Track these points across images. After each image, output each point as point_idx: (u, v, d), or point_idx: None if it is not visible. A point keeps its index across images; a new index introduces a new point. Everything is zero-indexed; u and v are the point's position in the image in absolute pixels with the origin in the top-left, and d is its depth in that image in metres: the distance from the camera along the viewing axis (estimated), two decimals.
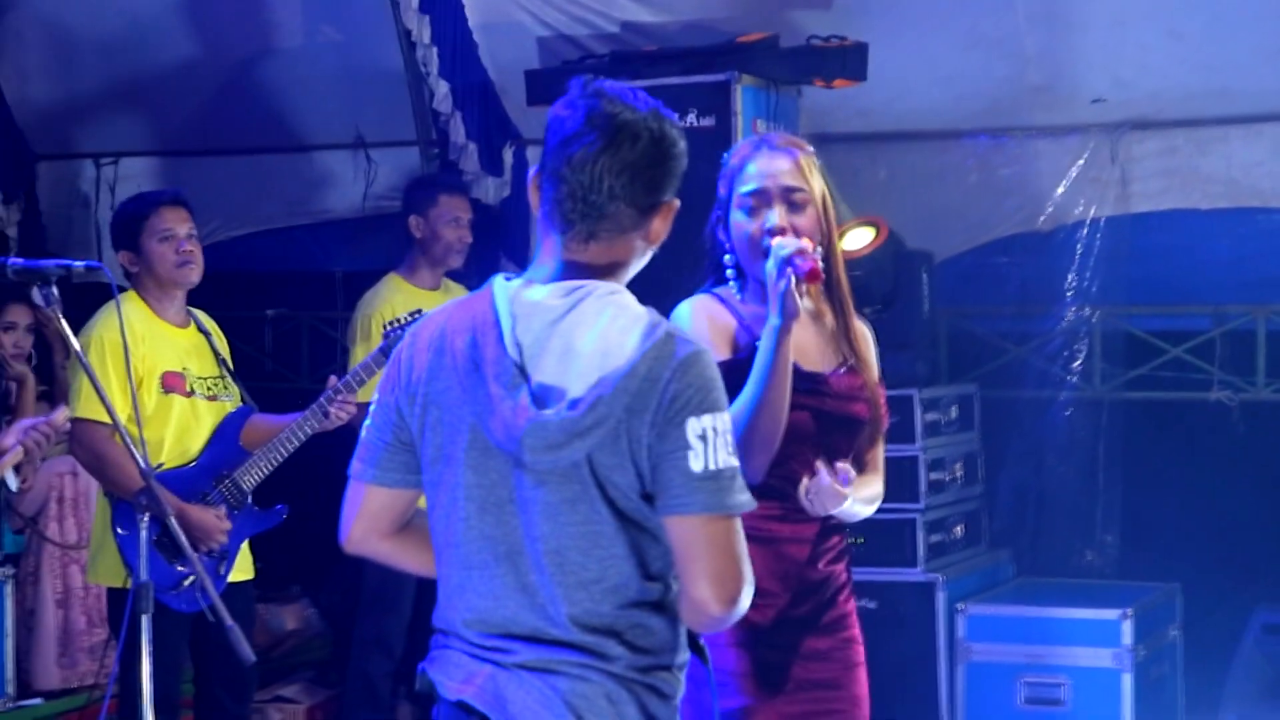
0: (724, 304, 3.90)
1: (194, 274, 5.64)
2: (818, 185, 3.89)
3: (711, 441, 2.81)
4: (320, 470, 4.84)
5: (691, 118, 6.63)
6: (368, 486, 3.05)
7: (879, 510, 6.62)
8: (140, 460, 4.38)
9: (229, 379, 5.71)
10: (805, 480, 3.79)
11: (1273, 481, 7.17)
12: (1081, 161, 7.28)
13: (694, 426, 2.81)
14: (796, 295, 3.69)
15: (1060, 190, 7.32)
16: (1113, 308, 7.40)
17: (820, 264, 3.73)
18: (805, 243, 3.75)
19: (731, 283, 3.93)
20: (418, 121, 8.19)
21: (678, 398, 2.81)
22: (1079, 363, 7.39)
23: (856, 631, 4.00)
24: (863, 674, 3.98)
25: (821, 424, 3.84)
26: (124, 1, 8.37)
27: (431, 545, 3.03)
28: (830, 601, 3.92)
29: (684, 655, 2.98)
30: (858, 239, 6.65)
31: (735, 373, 3.73)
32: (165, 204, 5.63)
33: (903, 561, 6.60)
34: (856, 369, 3.93)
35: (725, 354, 3.80)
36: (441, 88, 7.91)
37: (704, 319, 3.84)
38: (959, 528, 6.90)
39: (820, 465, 3.78)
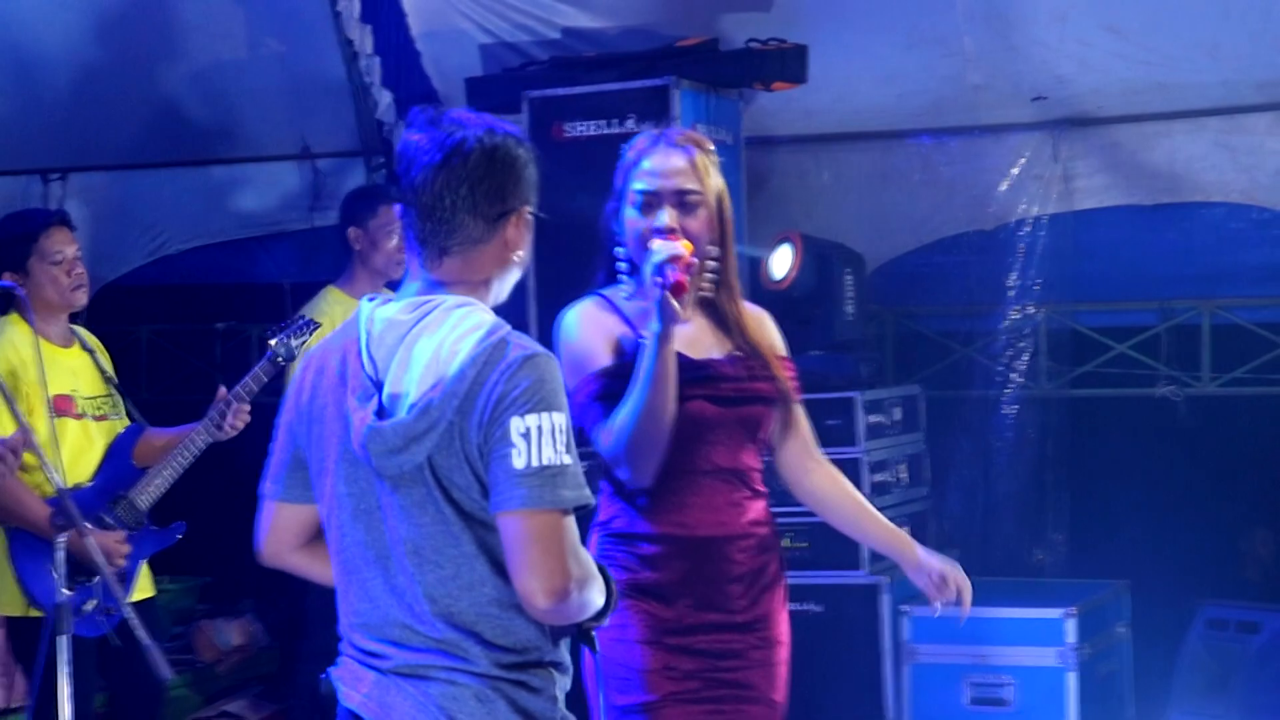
0: (610, 307, 3.89)
1: (84, 296, 5.54)
2: (714, 184, 3.89)
3: (535, 439, 2.91)
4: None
5: (631, 122, 6.63)
6: (274, 504, 3.25)
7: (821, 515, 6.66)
8: (56, 480, 4.37)
9: (116, 396, 5.63)
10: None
11: (1220, 475, 7.17)
12: (1024, 159, 7.28)
13: (517, 425, 2.91)
14: (673, 304, 3.68)
15: (1003, 188, 7.32)
16: (1058, 305, 7.40)
17: (688, 277, 3.72)
18: (682, 248, 3.75)
19: (624, 279, 3.92)
20: (362, 132, 8.17)
21: (503, 398, 2.92)
22: (1025, 361, 7.38)
23: (779, 632, 3.97)
24: (781, 676, 3.96)
25: (722, 406, 3.84)
26: (71, 16, 8.32)
27: None
28: (753, 601, 3.89)
29: (560, 651, 3.08)
30: (781, 264, 6.68)
31: (620, 378, 3.73)
32: (54, 225, 5.49)
33: (847, 564, 6.57)
34: (752, 352, 3.92)
35: (608, 359, 3.81)
36: (385, 97, 7.89)
37: (588, 325, 3.85)
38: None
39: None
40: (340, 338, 3.12)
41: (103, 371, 5.63)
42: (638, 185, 3.87)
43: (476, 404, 2.92)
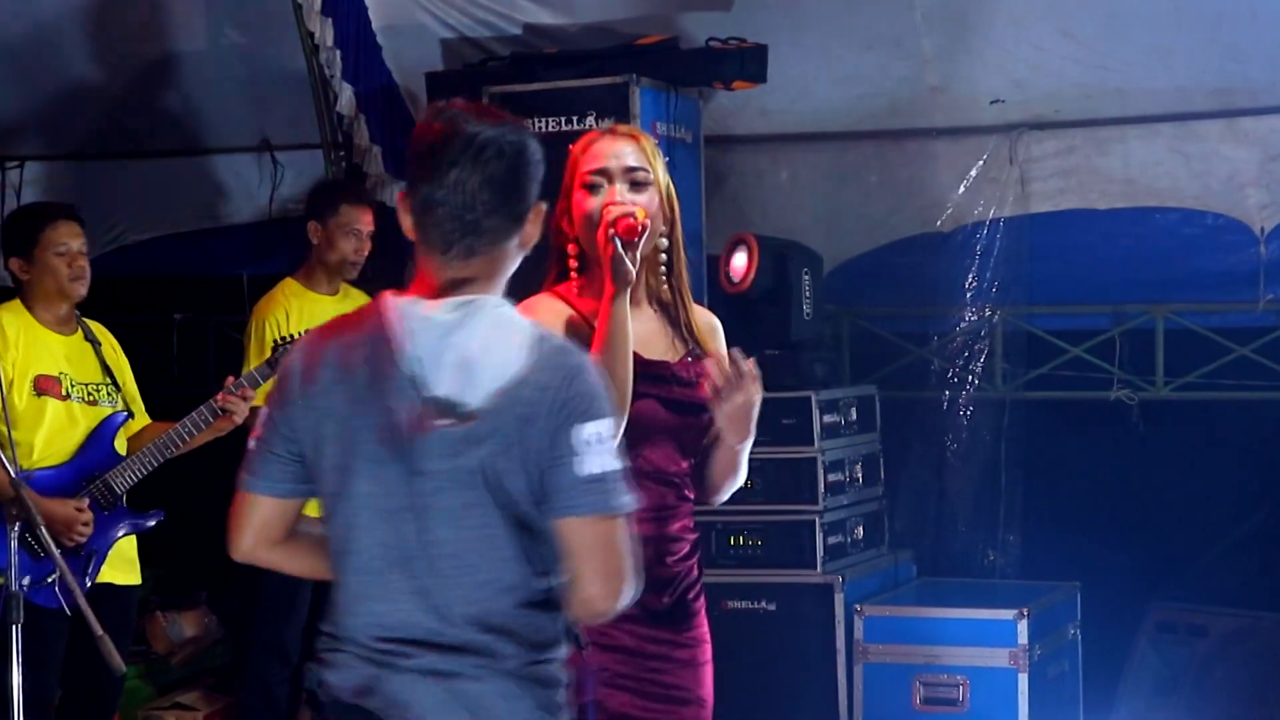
0: (560, 300, 3.90)
1: (83, 288, 5.80)
2: (661, 174, 3.91)
3: (597, 446, 2.96)
4: (226, 475, 4.82)
5: (590, 120, 6.64)
6: (258, 497, 3.16)
7: (777, 512, 6.68)
8: (10, 469, 4.38)
9: (113, 388, 5.79)
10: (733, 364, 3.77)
11: (1171, 480, 7.21)
12: (980, 162, 7.31)
13: (580, 432, 2.95)
14: (626, 260, 3.71)
15: (960, 191, 7.35)
16: (1013, 308, 7.43)
17: (640, 235, 3.73)
18: (634, 208, 3.78)
19: (574, 275, 3.92)
20: (321, 125, 8.15)
21: (566, 405, 2.95)
22: (980, 363, 7.41)
23: (704, 631, 3.98)
24: (708, 674, 3.97)
25: (672, 411, 3.85)
26: (26, 5, 8.30)
27: (320, 550, 3.15)
28: (678, 600, 3.91)
29: (566, 646, 3.11)
30: (738, 266, 6.71)
31: None
32: (62, 218, 5.79)
33: (801, 563, 6.61)
34: (701, 356, 3.94)
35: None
36: (345, 91, 7.86)
37: (542, 311, 3.83)
38: (859, 529, 6.91)
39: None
40: (358, 332, 3.06)
41: (103, 363, 5.80)
42: (587, 167, 3.88)
43: (541, 410, 2.94)
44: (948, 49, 7.12)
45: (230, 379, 5.72)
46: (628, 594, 3.02)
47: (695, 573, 3.97)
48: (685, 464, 3.93)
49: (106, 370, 5.79)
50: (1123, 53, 6.93)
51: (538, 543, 3.01)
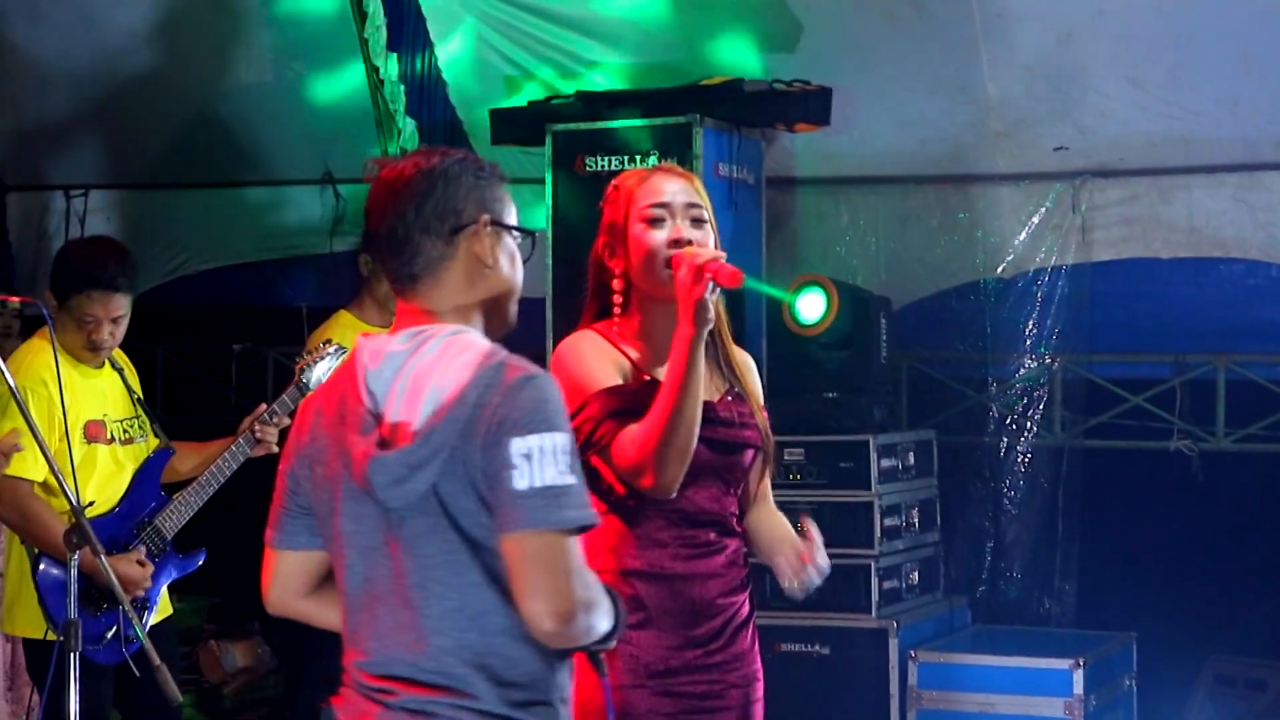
0: (604, 339, 3.89)
1: (100, 360, 5.48)
2: (710, 213, 3.91)
3: (537, 459, 2.88)
4: None
5: (653, 159, 6.65)
6: (279, 552, 3.22)
7: (832, 555, 6.62)
8: (72, 497, 4.35)
9: (143, 416, 5.61)
10: (799, 567, 3.79)
11: (1231, 532, 7.16)
12: (1044, 209, 7.29)
13: (518, 446, 2.88)
14: (710, 304, 3.68)
15: (1022, 237, 7.33)
16: (1073, 355, 7.40)
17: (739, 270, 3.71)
18: (718, 252, 3.76)
19: (617, 311, 3.91)
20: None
21: (504, 420, 2.89)
22: (1039, 410, 7.38)
23: (756, 669, 3.97)
24: (759, 714, 3.96)
25: (716, 452, 3.84)
26: (96, 34, 8.38)
27: None
28: (730, 640, 3.89)
29: (564, 689, 3.05)
30: (812, 307, 6.69)
31: (629, 395, 3.74)
32: (99, 289, 5.35)
33: (856, 608, 6.58)
34: (742, 396, 3.92)
35: (615, 379, 3.80)
36: (408, 125, 7.92)
37: (591, 349, 3.84)
38: (914, 574, 6.88)
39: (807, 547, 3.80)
40: (338, 380, 3.13)
41: (130, 391, 5.61)
42: (647, 201, 3.87)
43: (478, 427, 2.90)
44: (1012, 94, 7.11)
45: (263, 406, 5.60)
46: (582, 617, 2.90)
47: (745, 610, 3.95)
48: (729, 501, 3.92)
49: (136, 400, 5.60)
50: (1189, 101, 6.90)
51: (504, 565, 2.95)
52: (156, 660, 4.17)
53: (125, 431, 5.52)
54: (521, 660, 2.96)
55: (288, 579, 3.22)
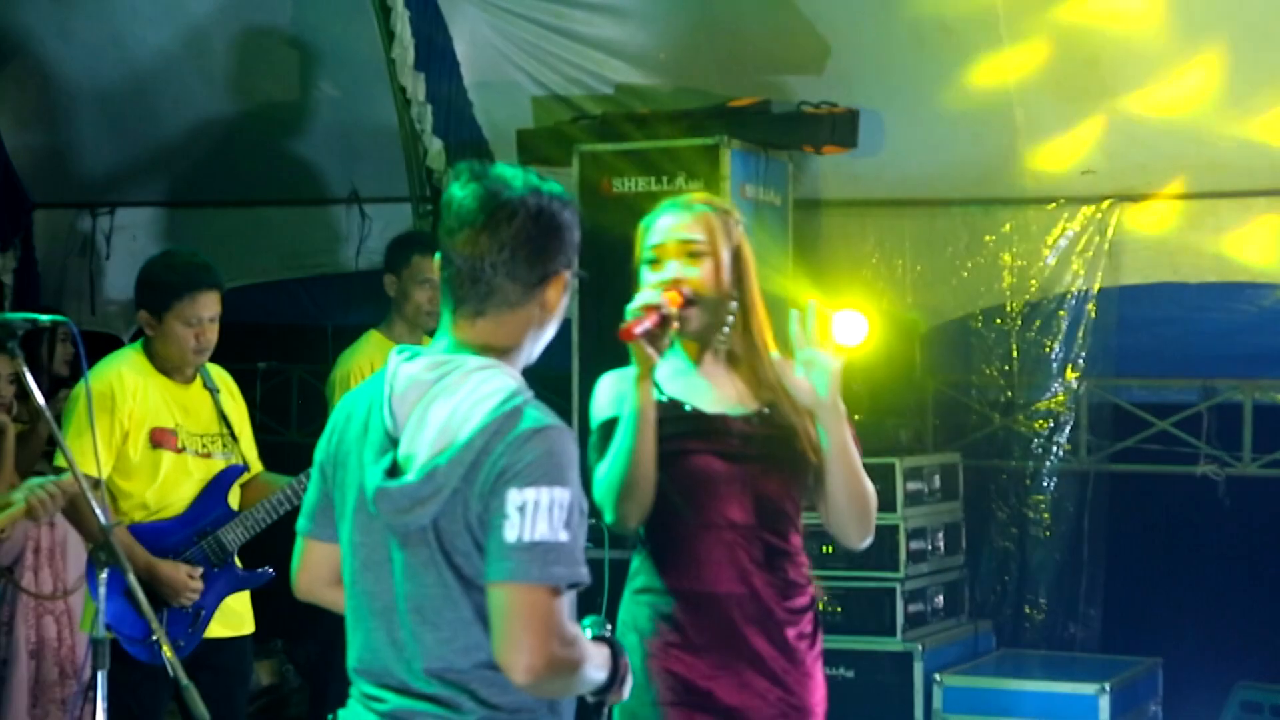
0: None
1: (203, 359, 5.60)
2: (725, 238, 3.91)
3: (531, 513, 2.87)
4: None
5: (681, 180, 6.65)
6: (307, 540, 3.28)
7: (858, 578, 6.62)
8: (100, 514, 4.37)
9: (229, 437, 5.65)
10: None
11: (1257, 557, 7.15)
12: (1071, 232, 7.28)
13: (514, 498, 2.87)
14: (644, 348, 3.75)
15: (1049, 260, 7.32)
16: (1100, 379, 7.39)
17: (649, 326, 3.76)
18: (659, 296, 3.82)
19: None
20: (411, 178, 8.20)
21: (506, 470, 2.89)
22: (1065, 434, 7.37)
23: (813, 700, 3.95)
24: None
25: (731, 464, 3.84)
26: (123, 52, 8.41)
27: None
28: (776, 656, 3.87)
29: (559, 704, 3.05)
30: (851, 331, 6.66)
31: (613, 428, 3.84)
32: (203, 288, 5.49)
33: (881, 631, 6.58)
34: (773, 414, 3.92)
35: (610, 412, 3.88)
36: (435, 145, 7.93)
37: (607, 384, 3.95)
38: (939, 598, 6.87)
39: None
40: (370, 388, 3.11)
41: (221, 412, 5.65)
42: (647, 244, 3.96)
43: (480, 472, 2.89)
44: (1040, 118, 7.10)
45: None
46: (556, 675, 2.90)
47: (806, 638, 3.93)
48: (768, 514, 3.89)
49: (223, 419, 5.65)
50: (1219, 126, 6.88)
51: None
52: (184, 679, 4.17)
53: (205, 446, 5.57)
54: (509, 688, 2.95)
55: (318, 567, 3.26)
